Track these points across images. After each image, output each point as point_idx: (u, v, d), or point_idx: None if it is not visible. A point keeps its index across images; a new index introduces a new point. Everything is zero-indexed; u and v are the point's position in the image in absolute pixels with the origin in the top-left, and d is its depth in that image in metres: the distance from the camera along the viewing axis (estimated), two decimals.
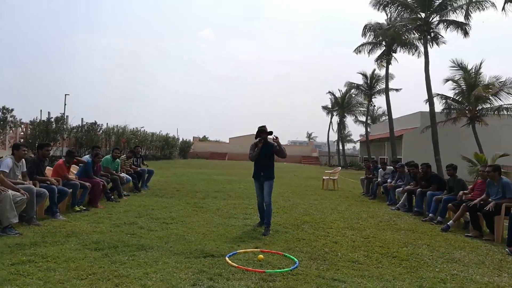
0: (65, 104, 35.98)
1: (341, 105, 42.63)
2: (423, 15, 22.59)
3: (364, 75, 36.38)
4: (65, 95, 36.86)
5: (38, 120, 18.87)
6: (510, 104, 22.22)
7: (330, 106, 45.38)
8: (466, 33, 21.79)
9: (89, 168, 7.93)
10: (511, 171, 19.96)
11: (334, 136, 48.52)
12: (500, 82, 22.26)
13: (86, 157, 8.42)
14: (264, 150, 6.33)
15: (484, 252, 5.41)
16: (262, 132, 6.30)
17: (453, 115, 24.29)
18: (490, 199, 6.56)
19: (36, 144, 7.29)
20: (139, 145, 13.58)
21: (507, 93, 21.97)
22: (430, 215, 7.79)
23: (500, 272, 4.51)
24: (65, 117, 20.97)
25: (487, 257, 5.16)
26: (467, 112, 23.48)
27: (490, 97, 22.36)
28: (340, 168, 18.75)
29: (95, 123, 24.22)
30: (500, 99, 22.25)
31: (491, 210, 6.18)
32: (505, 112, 22.49)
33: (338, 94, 42.95)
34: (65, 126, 20.45)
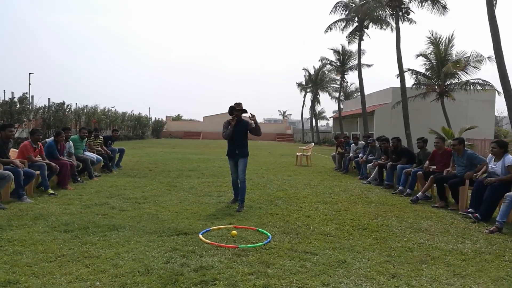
0: (29, 84, 34.48)
1: (314, 82, 42.79)
2: None
3: (336, 51, 36.49)
4: (29, 74, 35.30)
5: (1, 101, 18.05)
6: (477, 78, 22.85)
7: (304, 83, 45.50)
8: (444, 8, 21.90)
9: (53, 149, 7.64)
10: (477, 143, 20.77)
11: (308, 113, 48.88)
12: (466, 57, 22.77)
13: (50, 139, 8.08)
14: (239, 128, 6.28)
15: (449, 221, 5.63)
16: (235, 109, 6.23)
17: (423, 90, 24.81)
18: (455, 171, 6.82)
19: None
20: (117, 129, 13.44)
21: (474, 67, 22.55)
22: (400, 187, 8.02)
23: (463, 239, 4.71)
24: (30, 97, 20.14)
25: (451, 225, 5.38)
26: (436, 87, 24.02)
27: (458, 72, 22.90)
28: (313, 144, 18.96)
29: (63, 103, 23.41)
30: (468, 73, 22.84)
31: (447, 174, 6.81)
32: (472, 87, 23.13)
33: (312, 71, 43.08)
34: (30, 107, 19.65)
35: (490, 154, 6.10)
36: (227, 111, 6.34)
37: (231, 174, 6.56)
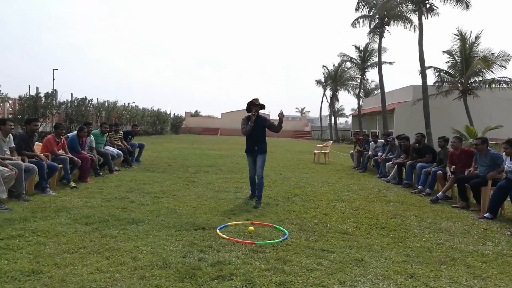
0: (53, 79, 35.39)
1: (334, 79, 42.43)
2: None
3: (358, 48, 36.07)
4: (53, 69, 36.33)
5: (27, 96, 18.53)
6: (502, 77, 22.22)
7: (323, 80, 45.18)
8: (467, 6, 21.47)
9: (75, 143, 7.82)
10: (501, 143, 20.21)
11: (327, 111, 48.54)
12: (492, 54, 22.18)
13: (73, 134, 8.27)
14: (257, 124, 6.25)
15: (470, 222, 5.52)
16: (254, 104, 6.22)
17: (445, 88, 24.28)
18: (477, 171, 6.68)
19: (24, 119, 7.14)
20: (136, 124, 13.59)
21: (500, 66, 21.95)
22: (419, 187, 7.90)
23: (484, 241, 4.62)
24: (54, 91, 20.56)
25: (472, 226, 5.27)
26: (459, 85, 23.48)
27: (483, 70, 22.32)
28: (331, 142, 18.82)
29: (85, 98, 23.88)
30: (493, 72, 22.24)
31: (468, 174, 6.71)
32: (497, 85, 22.49)
33: (331, 67, 42.78)
34: (54, 102, 20.10)
35: (504, 155, 6.03)
36: (245, 108, 6.33)
37: (248, 171, 6.56)
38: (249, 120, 6.24)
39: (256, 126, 6.23)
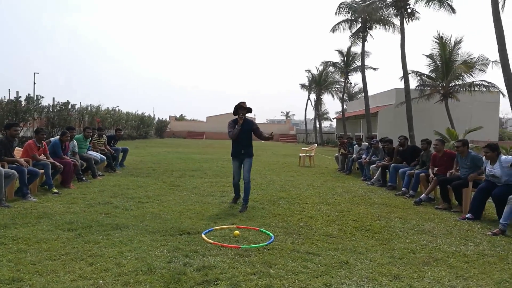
0: (34, 83, 34.76)
1: (318, 83, 42.81)
2: None
3: (341, 53, 36.52)
4: (34, 73, 35.71)
5: (6, 100, 18.11)
6: (481, 80, 22.79)
7: (307, 84, 45.55)
8: (452, 10, 21.93)
9: (57, 148, 7.68)
10: (481, 145, 20.66)
11: (311, 114, 48.96)
12: (471, 58, 22.74)
13: (55, 138, 8.13)
14: (244, 127, 6.23)
15: (452, 223, 5.62)
16: (241, 108, 6.21)
17: (427, 91, 24.74)
18: (458, 173, 6.81)
19: (4, 124, 6.99)
20: (120, 128, 13.39)
21: (480, 70, 22.52)
22: (403, 189, 8.00)
23: (466, 241, 4.70)
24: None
25: (454, 227, 5.37)
26: (440, 88, 23.95)
27: (463, 74, 22.86)
28: (316, 145, 18.95)
29: (68, 102, 23.51)
30: (472, 75, 22.78)
31: (450, 176, 6.82)
32: (476, 89, 23.03)
33: (315, 72, 43.20)
34: (35, 106, 19.70)
35: (484, 158, 6.14)
36: (232, 111, 6.30)
37: (233, 176, 6.52)
38: (236, 124, 6.22)
39: (243, 129, 6.22)
